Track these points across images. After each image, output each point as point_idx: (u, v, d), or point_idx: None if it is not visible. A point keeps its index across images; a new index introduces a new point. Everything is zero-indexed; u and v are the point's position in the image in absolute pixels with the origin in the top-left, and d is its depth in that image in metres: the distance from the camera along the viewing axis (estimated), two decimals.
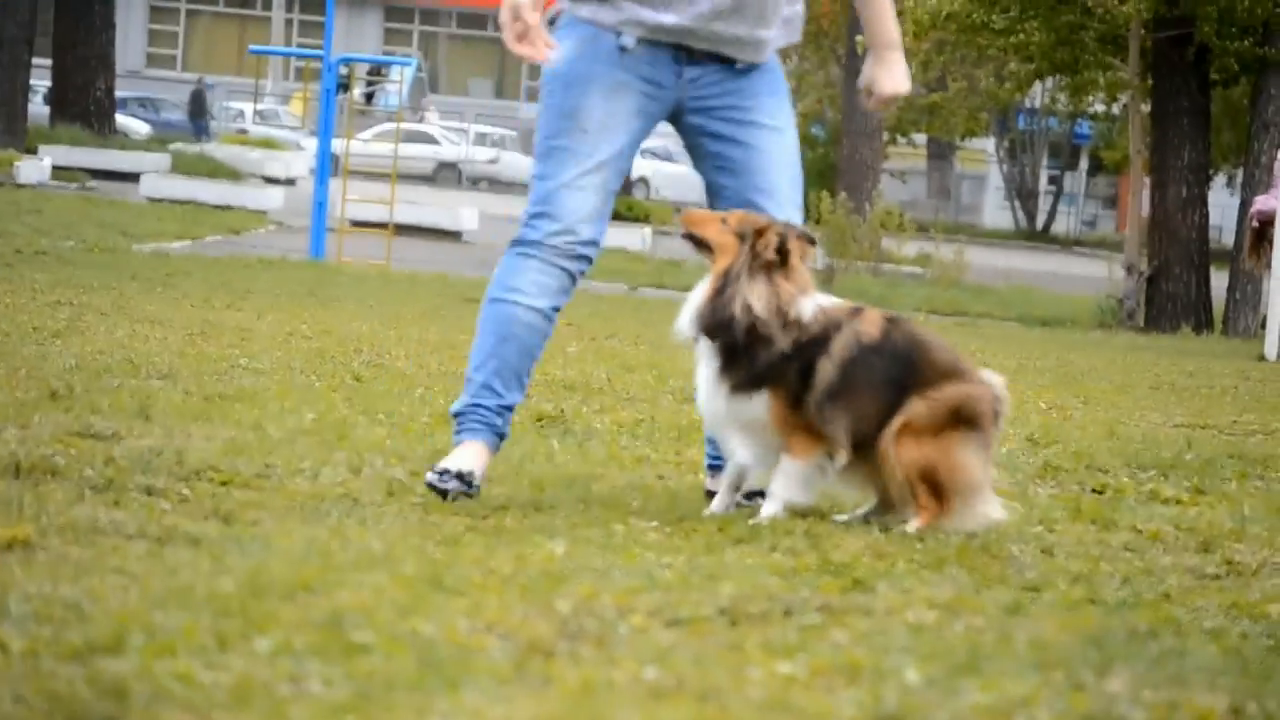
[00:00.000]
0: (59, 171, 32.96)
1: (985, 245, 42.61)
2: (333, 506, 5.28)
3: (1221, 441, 8.63)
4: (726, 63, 5.81)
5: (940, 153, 65.20)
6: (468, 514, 5.30)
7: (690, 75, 5.81)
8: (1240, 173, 30.00)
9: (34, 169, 31.91)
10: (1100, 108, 42.12)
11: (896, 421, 5.51)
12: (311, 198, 23.12)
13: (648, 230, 32.51)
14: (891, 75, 5.94)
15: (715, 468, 5.94)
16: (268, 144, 39.35)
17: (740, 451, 5.63)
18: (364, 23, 69.05)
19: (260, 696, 3.34)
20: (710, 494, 5.85)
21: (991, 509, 5.57)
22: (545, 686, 3.55)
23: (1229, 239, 34.29)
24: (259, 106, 55.20)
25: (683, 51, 5.77)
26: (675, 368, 9.51)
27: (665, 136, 51.07)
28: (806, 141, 39.02)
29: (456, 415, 5.87)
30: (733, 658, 3.84)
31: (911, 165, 63.79)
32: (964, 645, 4.07)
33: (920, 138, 57.74)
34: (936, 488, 5.52)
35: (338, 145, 27.39)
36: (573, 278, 5.88)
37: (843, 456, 5.56)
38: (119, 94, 45.26)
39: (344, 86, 23.96)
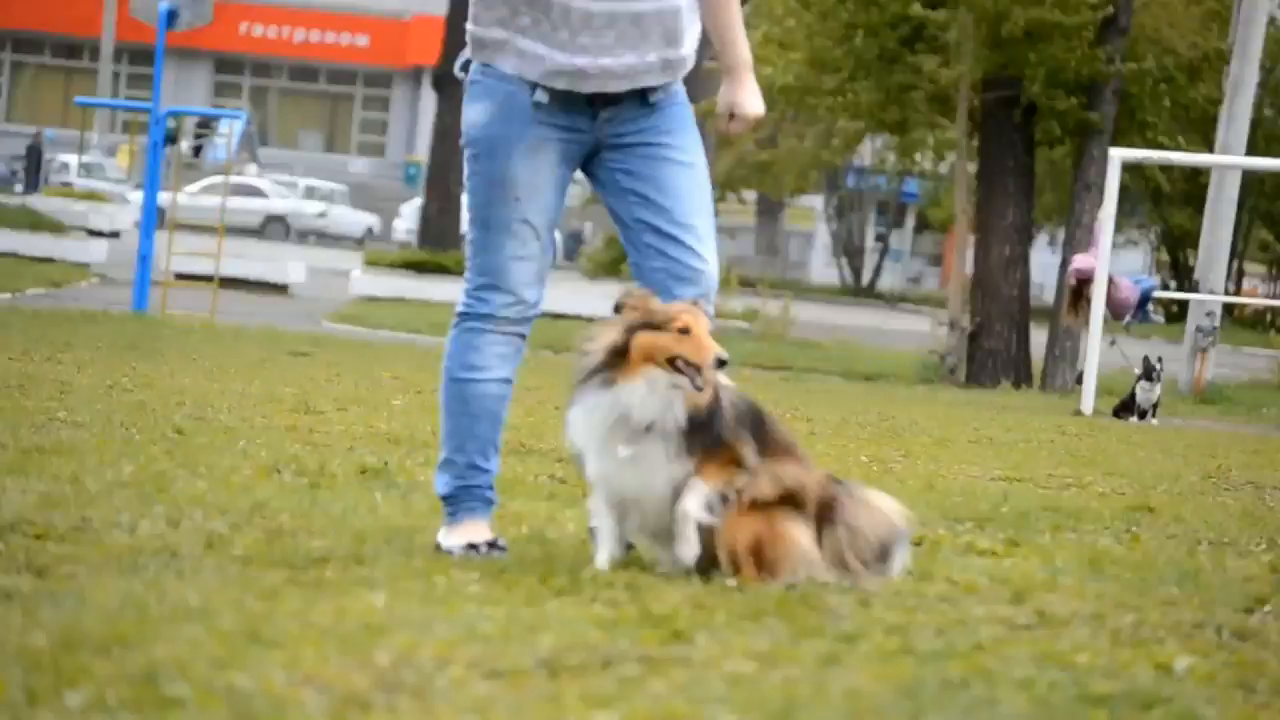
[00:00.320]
0: None
1: (812, 301, 42.97)
2: (150, 560, 5.21)
3: (1037, 494, 8.77)
4: (639, 98, 5.82)
5: (769, 209, 65.82)
6: (288, 566, 5.27)
7: (605, 115, 5.83)
8: (1062, 232, 30.51)
9: None
10: (928, 166, 42.76)
11: (744, 495, 5.51)
12: (136, 250, 22.86)
13: None
14: (751, 97, 5.95)
15: None
16: (92, 196, 38.92)
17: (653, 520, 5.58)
18: (193, 75, 68.53)
19: None
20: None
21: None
22: None
23: (1049, 297, 34.90)
24: (84, 159, 54.61)
25: (596, 96, 5.78)
26: None
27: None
28: None
29: (448, 498, 5.92)
30: (551, 709, 3.85)
31: (740, 222, 64.30)
32: (780, 695, 4.10)
33: (749, 194, 58.27)
34: (765, 563, 5.51)
35: (164, 198, 27.14)
36: (524, 337, 5.92)
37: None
38: None
39: (171, 139, 23.75)
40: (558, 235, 6.51)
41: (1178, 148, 26.74)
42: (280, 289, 31.71)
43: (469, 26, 5.87)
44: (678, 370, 5.42)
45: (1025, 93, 26.39)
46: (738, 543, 5.49)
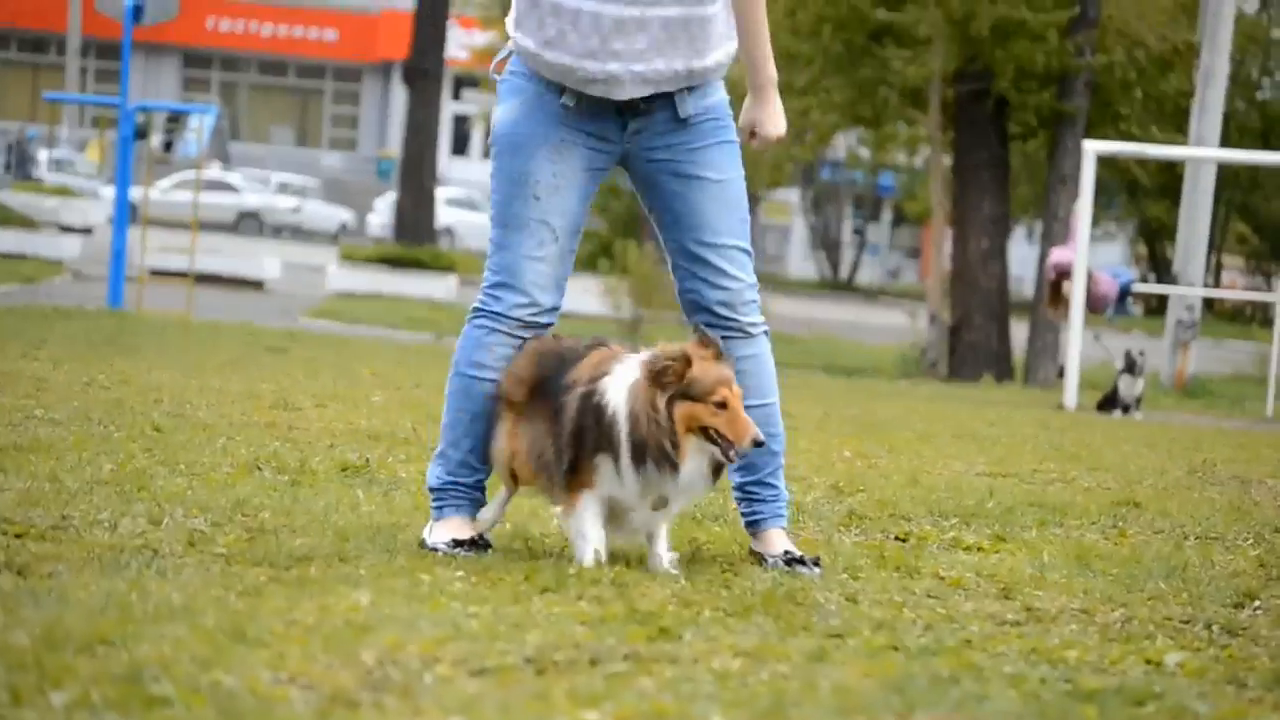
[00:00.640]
0: None
1: (790, 295, 42.99)
2: (132, 558, 5.18)
3: (1022, 490, 8.75)
4: (670, 113, 5.80)
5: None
6: (270, 565, 5.23)
7: (635, 127, 5.81)
8: (1039, 225, 30.55)
9: None
10: (903, 159, 42.78)
11: None
12: (110, 246, 22.79)
13: (454, 280, 32.49)
14: (774, 117, 5.95)
15: (754, 522, 6.03)
16: (63, 192, 38.80)
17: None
18: (161, 70, 68.33)
19: None
20: (756, 554, 5.96)
21: None
22: None
23: (1029, 290, 34.94)
24: (54, 154, 54.44)
25: (625, 104, 5.76)
26: None
27: (470, 186, 50.73)
28: (613, 191, 39.21)
29: (435, 490, 5.90)
30: (539, 707, 3.82)
31: None
32: (769, 692, 4.08)
33: None
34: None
35: (136, 193, 27.06)
36: None
37: None
38: None
39: (141, 134, 23.66)
40: None
41: (1152, 140, 26.76)
42: (256, 285, 31.66)
43: (509, 29, 5.86)
44: (712, 440, 5.47)
45: (996, 87, 26.41)
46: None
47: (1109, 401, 18.15)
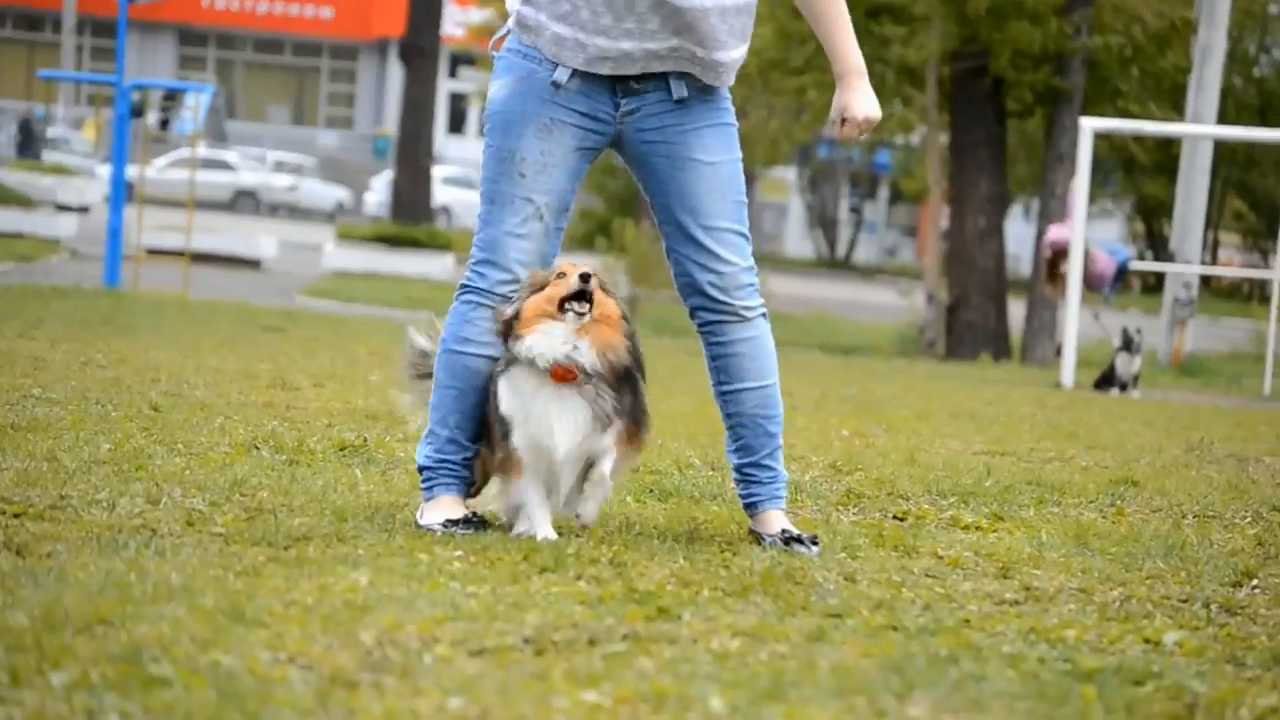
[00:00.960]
0: None
1: (787, 274, 42.99)
2: (130, 538, 5.18)
3: (1020, 468, 8.75)
4: (664, 94, 5.78)
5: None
6: (269, 544, 5.23)
7: (628, 108, 5.80)
8: (1036, 203, 30.52)
9: None
10: (900, 138, 42.72)
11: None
12: (106, 225, 22.76)
13: (450, 259, 32.46)
14: (863, 101, 5.84)
15: (752, 504, 6.04)
16: (60, 170, 38.73)
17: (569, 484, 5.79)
18: (157, 47, 68.21)
19: None
20: (755, 534, 5.96)
21: None
22: (348, 718, 3.51)
23: (1026, 268, 34.91)
24: (50, 132, 54.30)
25: (619, 83, 5.75)
26: None
27: (467, 165, 50.69)
28: (609, 170, 39.20)
29: (425, 469, 5.89)
30: (538, 687, 3.82)
31: None
32: (768, 672, 4.08)
33: None
34: None
35: (133, 172, 27.01)
36: None
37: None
38: None
39: (138, 112, 23.61)
40: None
41: (1149, 117, 26.73)
42: (252, 264, 31.62)
43: (511, 3, 5.84)
44: (565, 309, 5.60)
45: (993, 66, 26.37)
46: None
47: (1106, 380, 18.15)
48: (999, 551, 6.01)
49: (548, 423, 5.64)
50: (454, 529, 5.69)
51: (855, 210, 67.70)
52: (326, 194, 58.19)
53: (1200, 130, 23.15)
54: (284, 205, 56.08)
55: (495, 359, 5.78)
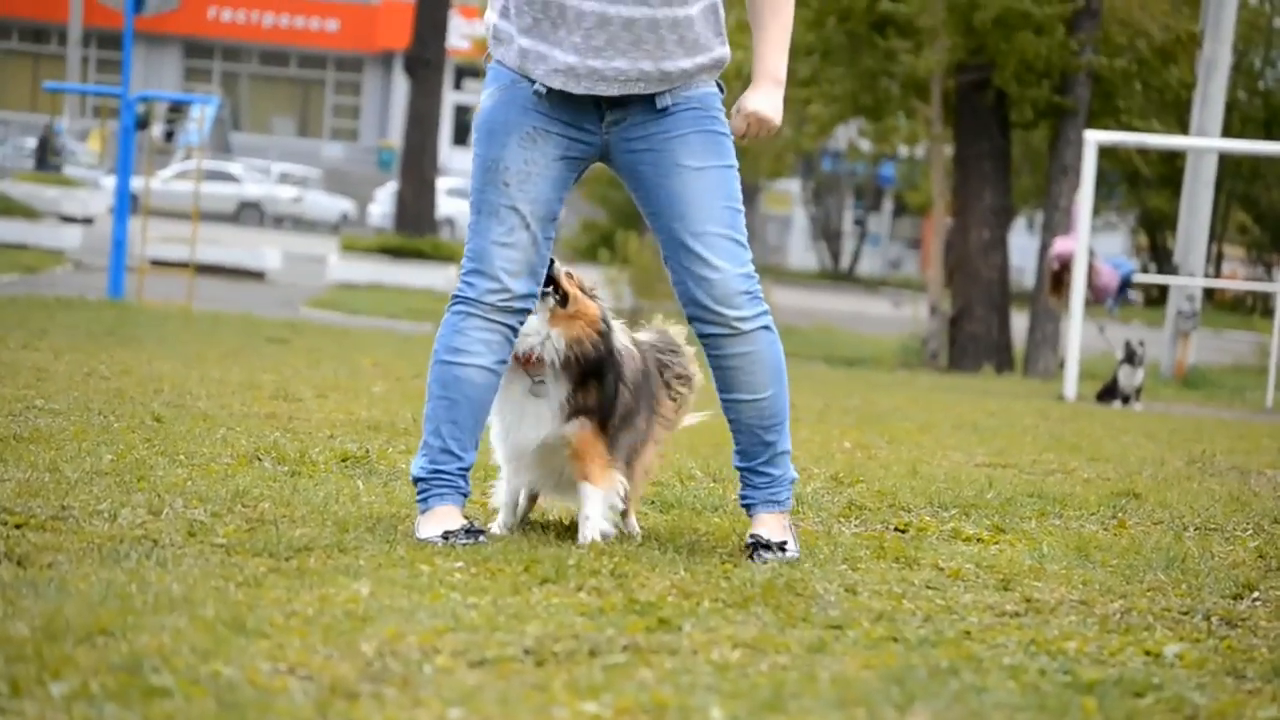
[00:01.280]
0: None
1: (791, 285, 42.99)
2: (131, 548, 5.18)
3: (1022, 480, 8.75)
4: (648, 103, 5.77)
5: (745, 193, 65.48)
6: (270, 555, 5.24)
7: (613, 118, 5.80)
8: (1040, 215, 30.52)
9: None
10: (904, 150, 42.72)
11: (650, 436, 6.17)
12: (110, 236, 22.77)
13: (454, 270, 32.45)
14: (762, 100, 5.81)
15: (745, 506, 6.10)
16: (65, 181, 38.73)
17: (536, 477, 6.08)
18: (163, 59, 68.29)
19: None
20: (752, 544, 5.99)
21: None
22: None
23: (1029, 281, 34.88)
24: (56, 144, 54.25)
25: (603, 96, 5.75)
26: None
27: (471, 177, 50.69)
28: (612, 182, 39.20)
29: (419, 481, 5.89)
30: (538, 698, 3.82)
31: None
32: (768, 683, 4.08)
33: None
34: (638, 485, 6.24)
35: (137, 183, 27.02)
36: (514, 329, 5.86)
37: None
38: None
39: (143, 124, 23.61)
40: None
41: (1152, 132, 26.72)
42: (257, 275, 31.63)
43: (487, 15, 5.87)
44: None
45: (996, 81, 26.38)
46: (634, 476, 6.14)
47: (1109, 392, 18.14)
48: (1000, 563, 6.01)
49: (517, 416, 5.93)
50: (454, 539, 5.69)
51: (859, 222, 67.67)
52: (331, 206, 58.20)
53: (1205, 143, 23.14)
54: (288, 217, 56.10)
55: (486, 369, 5.80)
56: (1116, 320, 22.22)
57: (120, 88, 22.33)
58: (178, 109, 53.50)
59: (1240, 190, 49.22)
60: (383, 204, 54.20)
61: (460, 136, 67.27)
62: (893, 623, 4.89)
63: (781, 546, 5.89)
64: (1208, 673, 4.54)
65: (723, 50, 5.84)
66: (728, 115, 5.92)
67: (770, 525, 5.99)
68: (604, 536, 5.91)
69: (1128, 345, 17.98)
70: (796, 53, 26.99)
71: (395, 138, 59.97)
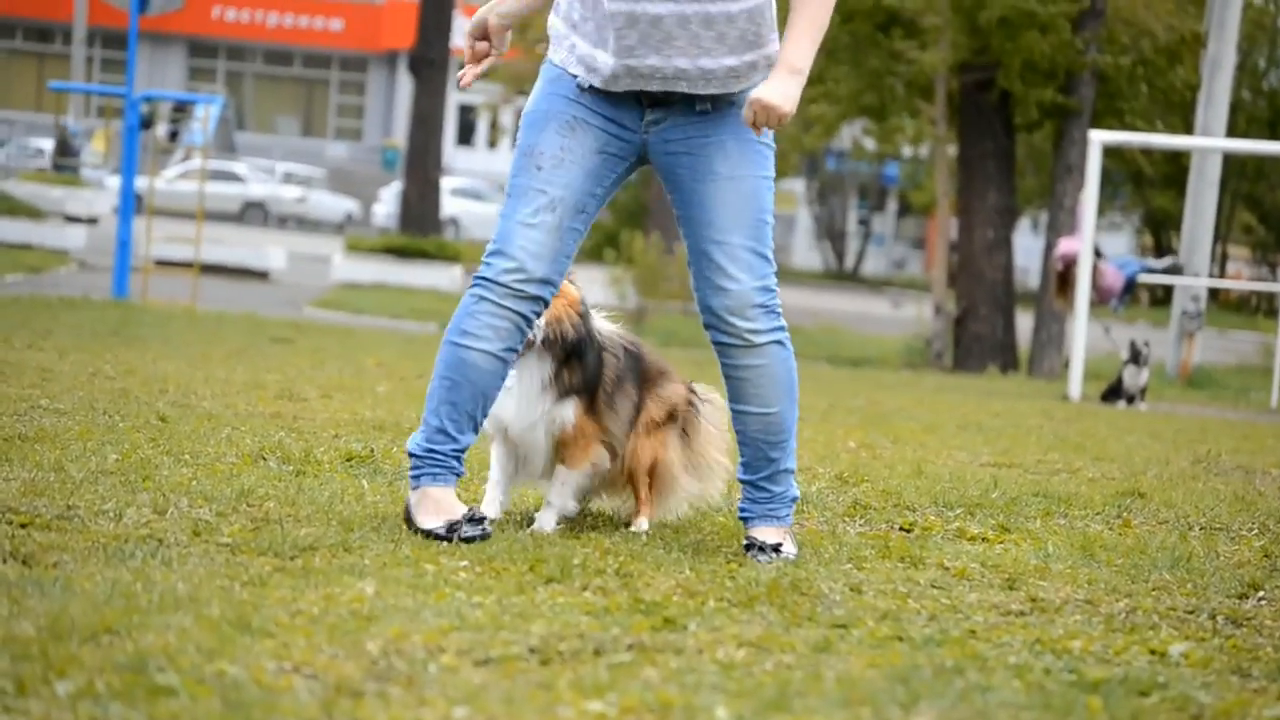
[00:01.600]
0: None
1: (795, 285, 42.98)
2: (137, 548, 5.18)
3: (1026, 480, 8.74)
4: (689, 104, 5.75)
5: None
6: (275, 554, 5.24)
7: (653, 117, 5.78)
8: (1045, 215, 30.50)
9: None
10: (908, 151, 42.70)
11: (640, 422, 6.21)
12: (115, 236, 22.78)
13: (459, 270, 32.47)
14: (771, 87, 5.61)
15: (743, 518, 6.11)
16: (69, 181, 38.74)
17: (535, 461, 6.15)
18: (167, 59, 68.31)
19: None
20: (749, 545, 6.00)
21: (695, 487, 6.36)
22: None
23: (1034, 281, 34.86)
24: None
25: (645, 92, 5.73)
26: None
27: (475, 176, 50.65)
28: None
29: (413, 456, 5.89)
30: (543, 697, 3.82)
31: None
32: (773, 683, 4.08)
33: None
34: (656, 481, 6.26)
35: (142, 183, 27.02)
36: (526, 320, 5.82)
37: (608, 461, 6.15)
38: None
39: (147, 124, 23.63)
40: None
41: (1157, 131, 26.70)
42: (261, 275, 31.64)
43: (549, 16, 5.90)
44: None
45: (1000, 81, 26.36)
46: (640, 466, 6.22)
47: (1113, 392, 18.14)
48: (1005, 563, 6.01)
49: (505, 396, 5.99)
50: (458, 531, 5.68)
51: (863, 222, 67.69)
52: (335, 205, 58.21)
53: (1209, 143, 23.14)
54: (293, 217, 56.12)
55: (492, 354, 5.80)
56: (1121, 320, 22.21)
57: (125, 87, 22.35)
58: (182, 109, 53.56)
59: (1245, 190, 49.24)
60: (387, 204, 54.21)
61: (464, 136, 67.29)
62: (898, 622, 4.89)
63: (776, 548, 5.89)
64: (1213, 672, 4.54)
65: (774, 48, 5.77)
66: None
67: (766, 533, 5.99)
68: (562, 518, 6.16)
69: (1133, 345, 17.97)
70: None
71: (400, 137, 59.98)
